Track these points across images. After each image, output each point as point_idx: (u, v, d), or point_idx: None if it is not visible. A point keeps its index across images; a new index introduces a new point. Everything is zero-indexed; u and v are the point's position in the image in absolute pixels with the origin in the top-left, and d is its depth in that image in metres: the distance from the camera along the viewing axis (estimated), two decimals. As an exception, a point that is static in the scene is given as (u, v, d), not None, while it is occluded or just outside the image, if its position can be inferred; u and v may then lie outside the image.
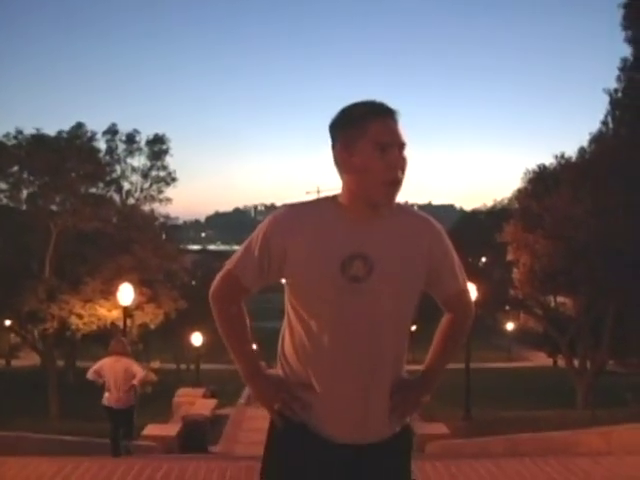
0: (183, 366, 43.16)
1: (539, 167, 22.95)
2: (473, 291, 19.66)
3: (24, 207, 26.28)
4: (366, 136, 1.89)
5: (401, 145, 1.92)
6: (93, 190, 26.97)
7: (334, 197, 2.02)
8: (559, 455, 4.74)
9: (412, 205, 1.98)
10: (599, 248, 18.82)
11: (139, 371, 9.57)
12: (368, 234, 1.96)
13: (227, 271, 2.06)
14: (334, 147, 1.97)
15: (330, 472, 1.99)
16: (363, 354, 1.95)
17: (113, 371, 9.35)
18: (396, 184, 1.92)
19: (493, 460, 4.63)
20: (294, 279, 1.98)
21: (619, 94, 20.82)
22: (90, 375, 9.52)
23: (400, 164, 1.92)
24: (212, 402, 21.43)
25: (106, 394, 9.38)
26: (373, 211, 1.97)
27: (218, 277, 2.09)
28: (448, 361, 2.21)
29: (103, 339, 34.42)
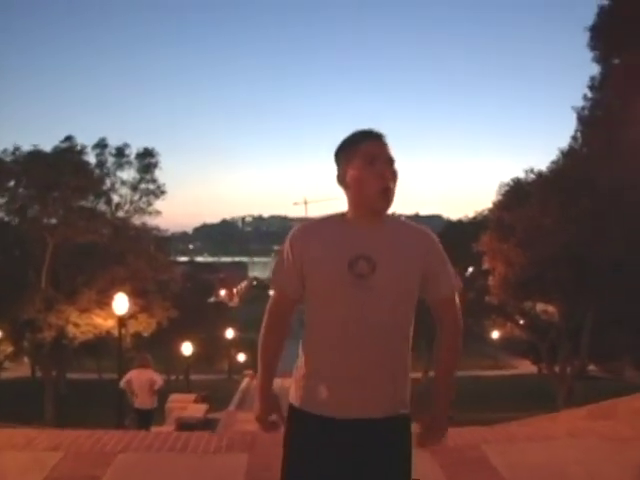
0: (172, 377, 43.50)
1: (513, 180, 24.17)
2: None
3: (20, 220, 26.95)
4: (358, 153, 2.21)
5: (388, 159, 2.22)
6: (83, 203, 27.41)
7: (342, 214, 2.32)
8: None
9: (399, 215, 2.50)
10: (567, 257, 19.85)
11: (159, 380, 11.66)
12: (371, 239, 2.22)
13: (276, 293, 2.39)
14: (337, 170, 2.31)
15: (339, 443, 2.22)
16: (369, 340, 2.19)
17: (139, 380, 11.37)
18: (386, 191, 2.19)
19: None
20: (311, 277, 2.26)
21: (586, 111, 21.90)
22: (122, 384, 11.54)
23: (388, 174, 2.20)
24: (203, 407, 22.18)
25: (134, 399, 11.40)
26: (374, 221, 2.25)
27: (271, 300, 2.40)
28: (453, 373, 2.38)
29: (94, 350, 35.00)
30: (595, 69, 22.05)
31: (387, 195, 2.20)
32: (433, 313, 2.35)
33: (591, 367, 34.64)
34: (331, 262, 2.20)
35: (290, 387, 2.34)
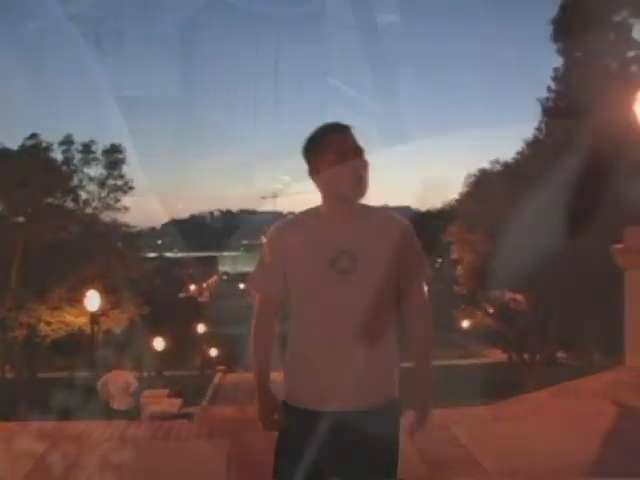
0: (145, 373, 43.17)
1: (479, 171, 24.58)
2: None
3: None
4: (328, 147, 2.23)
5: (358, 150, 2.24)
6: (51, 200, 27.20)
7: (316, 208, 2.33)
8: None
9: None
10: (533, 247, 20.17)
11: (134, 381, 11.99)
12: (349, 233, 2.25)
13: (259, 295, 2.41)
14: (308, 165, 2.32)
15: (325, 435, 2.23)
16: (353, 334, 2.21)
17: (115, 382, 11.62)
18: (360, 181, 2.23)
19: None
20: (293, 276, 2.28)
21: (550, 103, 22.29)
22: (100, 386, 11.78)
23: (359, 164, 2.24)
24: (178, 401, 22.13)
25: (112, 400, 11.57)
26: (350, 212, 2.28)
27: (255, 304, 2.41)
28: (430, 360, 2.45)
29: (65, 348, 34.63)
30: (559, 61, 22.50)
31: (361, 184, 2.24)
32: (404, 301, 2.37)
33: (560, 354, 35.24)
34: (312, 260, 2.24)
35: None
